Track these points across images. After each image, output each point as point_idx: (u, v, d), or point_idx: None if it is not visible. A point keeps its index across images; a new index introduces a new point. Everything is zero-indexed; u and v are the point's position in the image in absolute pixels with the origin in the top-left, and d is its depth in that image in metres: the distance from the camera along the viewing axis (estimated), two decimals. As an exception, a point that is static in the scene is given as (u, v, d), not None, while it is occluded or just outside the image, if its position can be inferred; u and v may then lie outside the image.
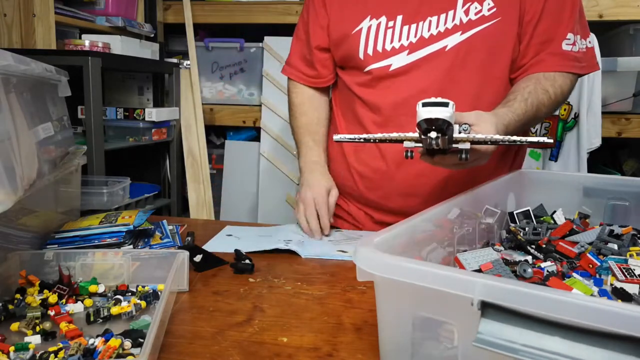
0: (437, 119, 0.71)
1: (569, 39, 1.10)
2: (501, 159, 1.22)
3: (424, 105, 0.72)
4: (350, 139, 0.84)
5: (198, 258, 0.94)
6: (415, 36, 1.13)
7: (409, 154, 0.82)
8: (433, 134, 0.73)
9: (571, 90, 1.14)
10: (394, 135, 0.80)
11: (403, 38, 1.13)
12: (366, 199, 1.26)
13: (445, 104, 0.71)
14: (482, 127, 0.85)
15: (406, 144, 0.81)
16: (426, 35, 1.12)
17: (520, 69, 1.13)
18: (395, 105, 1.16)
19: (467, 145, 0.78)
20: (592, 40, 1.17)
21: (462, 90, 1.11)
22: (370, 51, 1.16)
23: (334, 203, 1.23)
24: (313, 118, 1.31)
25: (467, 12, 1.10)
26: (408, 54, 1.13)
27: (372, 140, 0.82)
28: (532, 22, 1.10)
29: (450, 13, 1.11)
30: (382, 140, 0.81)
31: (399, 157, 1.16)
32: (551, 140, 0.75)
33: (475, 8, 1.10)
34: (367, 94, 1.20)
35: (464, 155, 0.79)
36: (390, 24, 1.14)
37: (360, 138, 0.82)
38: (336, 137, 0.85)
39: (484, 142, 0.80)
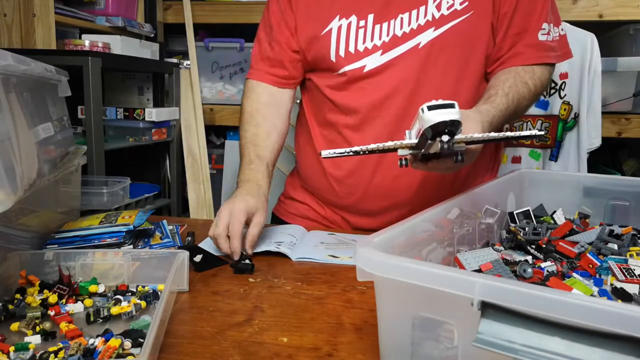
0: (451, 121, 0.67)
1: (544, 29, 1.08)
2: (480, 156, 1.21)
3: (430, 108, 0.68)
4: (339, 153, 0.75)
5: (198, 258, 0.94)
6: (387, 35, 1.10)
7: (403, 162, 0.76)
8: (445, 137, 0.69)
9: (549, 80, 1.12)
10: (389, 144, 0.74)
11: (375, 37, 1.10)
12: (343, 202, 1.22)
13: (452, 105, 0.68)
14: (468, 126, 0.81)
15: (401, 152, 0.76)
16: (399, 33, 1.09)
17: (497, 61, 1.10)
18: (371, 107, 1.12)
19: (463, 147, 0.75)
20: (564, 27, 1.15)
21: (437, 86, 1.09)
22: (342, 52, 1.12)
23: (255, 233, 1.01)
24: (263, 128, 1.20)
25: (439, 7, 1.08)
26: (382, 53, 1.10)
27: (362, 152, 0.75)
28: (508, 14, 1.08)
29: (422, 9, 1.08)
30: (373, 152, 0.74)
31: (375, 158, 1.12)
32: (542, 133, 0.74)
33: (447, 3, 1.07)
34: (340, 96, 1.15)
35: (460, 157, 0.75)
36: (362, 23, 1.11)
37: (350, 151, 0.75)
38: (324, 152, 0.76)
39: (479, 142, 0.77)
